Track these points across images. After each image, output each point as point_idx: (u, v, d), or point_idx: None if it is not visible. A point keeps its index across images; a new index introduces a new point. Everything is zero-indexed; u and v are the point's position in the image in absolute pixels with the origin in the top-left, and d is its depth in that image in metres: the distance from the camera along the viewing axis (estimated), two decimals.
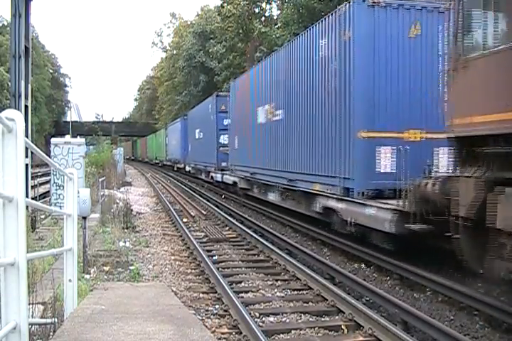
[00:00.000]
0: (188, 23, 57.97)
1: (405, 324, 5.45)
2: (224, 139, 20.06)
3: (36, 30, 67.77)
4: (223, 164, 19.94)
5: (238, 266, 8.42)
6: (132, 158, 79.12)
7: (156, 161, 50.54)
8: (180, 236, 11.08)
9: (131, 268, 7.39)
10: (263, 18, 33.06)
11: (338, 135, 9.06)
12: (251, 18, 31.53)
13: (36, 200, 11.35)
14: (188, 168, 29.97)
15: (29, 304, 3.28)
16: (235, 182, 17.78)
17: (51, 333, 3.82)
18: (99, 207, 12.79)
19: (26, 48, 10.17)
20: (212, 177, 21.95)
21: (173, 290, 6.19)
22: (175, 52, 58.17)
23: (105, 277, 6.76)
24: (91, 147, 38.60)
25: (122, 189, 20.00)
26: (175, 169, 37.17)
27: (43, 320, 4.01)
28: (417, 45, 8.49)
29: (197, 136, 25.80)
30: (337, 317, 5.74)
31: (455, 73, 5.87)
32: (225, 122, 19.42)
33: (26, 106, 10.22)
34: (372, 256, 8.25)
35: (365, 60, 8.39)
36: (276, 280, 7.38)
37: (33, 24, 44.81)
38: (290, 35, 26.21)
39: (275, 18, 32.65)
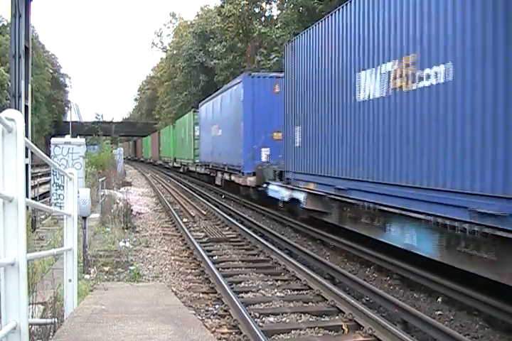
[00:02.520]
0: (188, 23, 58.02)
1: (405, 324, 5.45)
2: None
3: (36, 30, 68.00)
4: None
5: (238, 266, 8.42)
6: (141, 159, 67.14)
7: (176, 165, 34.97)
8: (180, 236, 11.08)
9: (131, 268, 7.39)
10: (263, 18, 33.07)
11: None
12: (251, 18, 31.51)
13: (36, 200, 11.37)
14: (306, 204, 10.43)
15: (29, 304, 3.28)
16: None
17: (51, 333, 3.82)
18: (99, 207, 12.79)
19: (26, 48, 10.17)
20: None
21: (173, 290, 6.20)
22: (175, 52, 58.18)
23: (105, 277, 6.76)
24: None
25: (122, 189, 19.99)
26: (219, 183, 20.46)
27: (43, 320, 4.01)
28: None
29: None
30: (337, 317, 5.74)
31: None
32: None
33: (26, 106, 10.22)
34: (373, 256, 8.25)
35: None
36: (276, 281, 7.38)
37: (33, 24, 44.84)
38: (290, 35, 26.21)
39: (275, 18, 32.64)
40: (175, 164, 35.60)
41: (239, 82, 16.60)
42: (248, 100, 15.63)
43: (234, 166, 17.15)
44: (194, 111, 27.42)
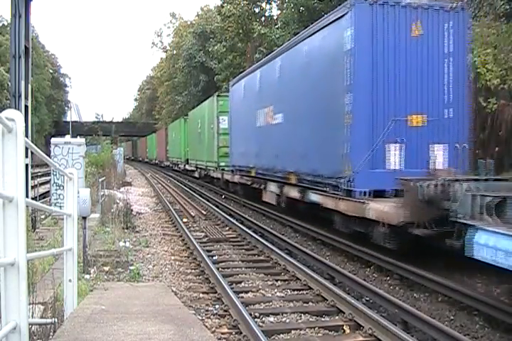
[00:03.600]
0: (188, 23, 58.08)
1: (405, 324, 5.45)
2: None
3: (36, 30, 67.95)
4: None
5: (238, 266, 8.42)
6: (145, 159, 60.62)
7: (190, 168, 28.13)
8: (180, 236, 11.08)
9: (131, 268, 7.39)
10: (263, 18, 33.07)
11: None
12: (251, 18, 31.50)
13: (36, 200, 11.36)
14: None
15: (29, 304, 3.29)
16: None
17: (51, 333, 3.82)
18: (99, 207, 12.78)
19: (26, 48, 10.17)
20: None
21: (173, 290, 6.20)
22: (175, 52, 58.25)
23: (105, 277, 6.76)
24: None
25: (122, 189, 20.00)
26: (272, 201, 13.26)
27: (43, 320, 4.01)
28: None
29: None
30: (337, 317, 5.73)
31: None
32: None
33: (26, 106, 10.22)
34: (373, 256, 8.25)
35: None
36: (276, 281, 7.38)
37: (33, 24, 44.78)
38: (290, 35, 26.20)
39: (275, 18, 32.64)
40: (187, 167, 28.46)
41: (341, 17, 8.54)
42: (363, 51, 8.18)
43: (319, 177, 9.73)
44: (219, 96, 20.11)
